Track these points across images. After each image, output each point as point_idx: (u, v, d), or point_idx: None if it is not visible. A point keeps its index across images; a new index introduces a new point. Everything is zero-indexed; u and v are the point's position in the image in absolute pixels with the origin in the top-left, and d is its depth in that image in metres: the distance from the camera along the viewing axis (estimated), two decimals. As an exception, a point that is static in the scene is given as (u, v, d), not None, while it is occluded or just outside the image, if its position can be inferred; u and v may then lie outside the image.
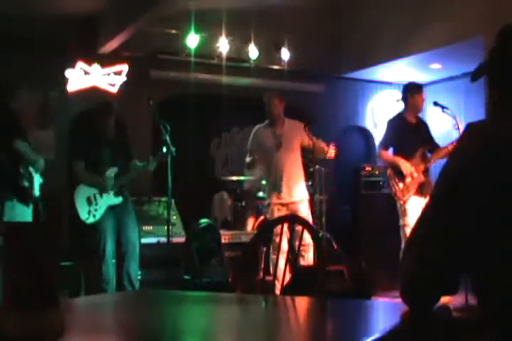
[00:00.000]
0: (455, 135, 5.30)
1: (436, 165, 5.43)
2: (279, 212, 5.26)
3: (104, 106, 5.22)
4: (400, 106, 7.34)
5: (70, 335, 1.47)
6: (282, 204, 5.31)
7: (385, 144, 5.54)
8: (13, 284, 1.40)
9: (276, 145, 5.38)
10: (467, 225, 1.30)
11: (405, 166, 5.32)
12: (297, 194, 5.38)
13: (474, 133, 1.37)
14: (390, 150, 5.55)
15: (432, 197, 1.40)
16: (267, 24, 6.82)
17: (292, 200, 5.33)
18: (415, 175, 5.31)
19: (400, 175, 5.37)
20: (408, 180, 5.32)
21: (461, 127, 5.35)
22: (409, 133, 5.41)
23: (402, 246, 4.93)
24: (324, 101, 8.10)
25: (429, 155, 5.42)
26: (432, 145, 5.47)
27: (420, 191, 5.28)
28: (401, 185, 5.35)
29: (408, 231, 5.02)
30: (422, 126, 5.59)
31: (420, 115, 5.76)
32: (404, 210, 5.29)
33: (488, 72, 1.41)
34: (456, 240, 1.32)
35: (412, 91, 5.46)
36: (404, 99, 5.54)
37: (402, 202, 5.33)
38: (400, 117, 5.59)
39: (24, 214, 4.36)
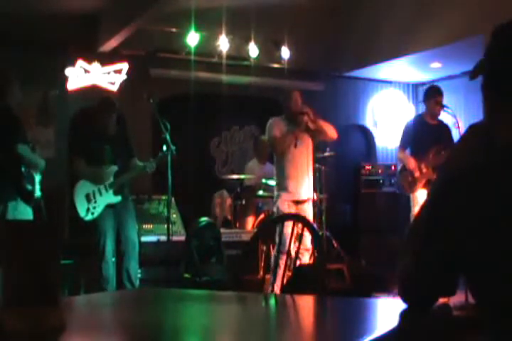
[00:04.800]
0: (455, 134, 5.44)
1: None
2: (289, 209, 5.22)
3: (106, 103, 5.21)
4: (404, 109, 7.36)
5: (70, 333, 1.47)
6: (294, 202, 5.28)
7: (402, 145, 5.79)
8: (14, 283, 1.41)
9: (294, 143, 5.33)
10: (465, 226, 1.30)
11: (410, 161, 5.57)
12: (308, 193, 5.37)
13: (476, 135, 1.37)
14: (408, 151, 5.76)
15: (429, 196, 1.40)
16: (267, 23, 6.82)
17: (303, 199, 5.31)
18: (424, 170, 5.49)
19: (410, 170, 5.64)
20: (416, 174, 5.50)
21: (462, 126, 5.42)
22: (426, 133, 5.57)
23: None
24: (324, 100, 8.08)
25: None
26: (448, 146, 5.53)
27: (428, 186, 5.44)
28: (410, 178, 5.56)
29: None
30: (442, 128, 5.70)
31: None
32: (413, 201, 5.55)
33: (486, 73, 1.40)
34: (456, 242, 1.32)
35: (427, 96, 5.66)
36: (423, 101, 5.76)
37: (410, 194, 5.58)
38: (419, 118, 5.84)
39: (27, 213, 4.35)
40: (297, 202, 5.29)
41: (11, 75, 4.61)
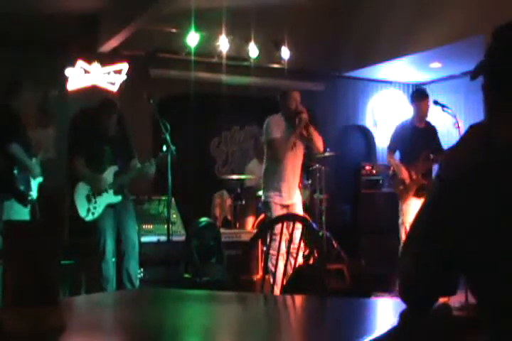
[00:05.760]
0: (455, 134, 5.48)
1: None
2: (281, 211, 5.17)
3: (107, 104, 5.21)
4: (404, 109, 7.39)
5: (70, 333, 1.47)
6: (284, 205, 5.23)
7: (391, 148, 5.79)
8: (14, 283, 1.41)
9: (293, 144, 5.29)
10: (467, 227, 1.30)
11: (402, 171, 5.58)
12: (297, 196, 5.34)
13: (476, 135, 1.37)
14: (397, 153, 5.78)
15: (429, 196, 1.40)
16: (267, 23, 6.82)
17: (293, 202, 5.27)
18: (414, 177, 5.53)
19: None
20: (407, 181, 5.54)
21: (462, 126, 5.45)
22: (414, 136, 5.59)
23: (402, 244, 5.13)
24: (324, 100, 8.09)
25: (435, 161, 5.59)
26: (436, 149, 5.60)
27: (419, 193, 5.47)
28: (401, 186, 5.58)
29: (403, 230, 5.43)
30: (430, 131, 5.75)
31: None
32: (402, 210, 5.54)
33: (487, 72, 1.40)
34: (456, 242, 1.32)
35: (416, 98, 5.69)
36: (411, 104, 5.78)
37: (401, 202, 5.58)
38: (407, 122, 5.82)
39: (22, 213, 4.36)
40: (288, 206, 5.23)
41: (23, 80, 4.64)
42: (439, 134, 5.79)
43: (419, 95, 5.71)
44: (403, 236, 5.43)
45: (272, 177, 5.28)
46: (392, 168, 5.82)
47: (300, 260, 5.14)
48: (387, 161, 5.94)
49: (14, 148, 4.35)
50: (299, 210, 5.27)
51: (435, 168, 5.60)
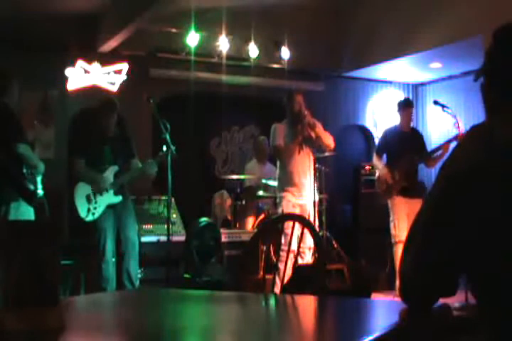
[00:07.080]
0: (454, 134, 5.64)
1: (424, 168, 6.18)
2: (293, 209, 5.28)
3: (107, 103, 5.21)
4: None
5: (70, 334, 1.47)
6: (296, 204, 5.36)
7: (378, 151, 6.16)
8: (14, 283, 1.41)
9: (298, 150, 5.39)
10: (467, 227, 1.30)
11: (382, 169, 5.94)
12: (310, 196, 5.43)
13: (476, 135, 1.37)
14: (384, 157, 6.12)
15: (430, 198, 1.40)
16: (267, 23, 6.82)
17: (305, 202, 5.39)
18: (397, 177, 5.82)
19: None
20: (390, 181, 5.86)
21: (461, 126, 5.55)
22: (400, 141, 5.93)
23: (392, 240, 5.75)
24: (324, 100, 8.08)
25: (418, 162, 5.97)
26: (422, 153, 5.97)
27: (404, 192, 5.81)
28: (385, 186, 5.91)
29: (393, 226, 5.77)
30: (416, 136, 6.15)
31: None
32: (391, 208, 5.88)
33: (488, 72, 1.40)
34: (456, 242, 1.32)
35: (400, 108, 6.09)
36: (398, 112, 6.15)
37: (389, 201, 5.91)
38: (394, 127, 6.20)
39: (28, 213, 4.35)
40: (300, 205, 5.35)
41: (11, 74, 4.61)
42: (424, 139, 6.20)
43: (403, 105, 6.09)
44: (394, 232, 5.76)
45: (284, 180, 5.48)
46: (377, 171, 6.10)
47: (309, 259, 5.20)
48: (374, 163, 6.29)
49: (22, 148, 4.33)
50: (311, 210, 5.42)
51: (420, 168, 6.07)
